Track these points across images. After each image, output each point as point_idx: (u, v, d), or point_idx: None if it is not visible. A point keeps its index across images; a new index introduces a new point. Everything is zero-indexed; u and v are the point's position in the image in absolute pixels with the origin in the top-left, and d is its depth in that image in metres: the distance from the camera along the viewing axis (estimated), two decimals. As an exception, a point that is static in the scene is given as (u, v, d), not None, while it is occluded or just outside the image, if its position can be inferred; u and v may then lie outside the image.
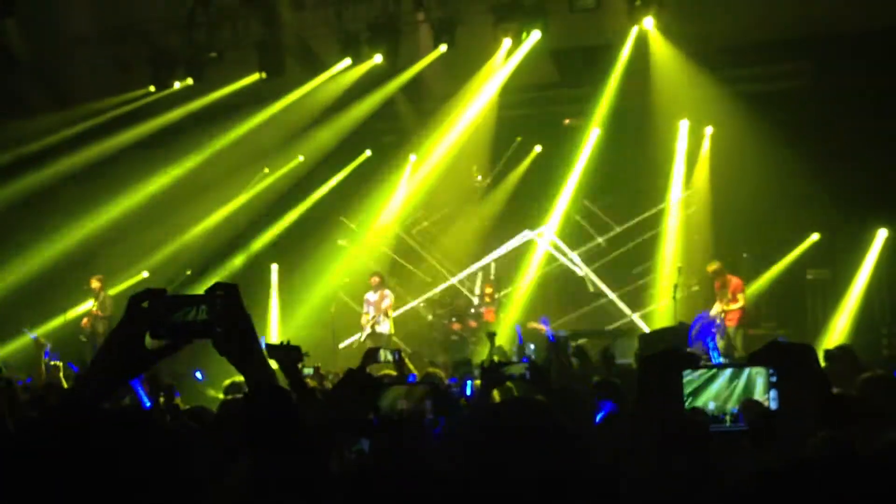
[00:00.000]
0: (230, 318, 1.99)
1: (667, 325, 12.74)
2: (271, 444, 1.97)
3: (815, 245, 14.55)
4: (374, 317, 14.96)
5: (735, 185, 14.29)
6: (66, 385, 8.36)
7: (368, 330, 14.93)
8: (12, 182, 14.13)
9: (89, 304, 14.88)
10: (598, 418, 5.36)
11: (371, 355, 5.95)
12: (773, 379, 3.19)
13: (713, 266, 13.33)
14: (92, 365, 1.96)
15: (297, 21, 14.27)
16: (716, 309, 13.06)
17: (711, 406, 3.20)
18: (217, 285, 2.01)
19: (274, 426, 1.98)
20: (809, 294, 14.85)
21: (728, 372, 3.29)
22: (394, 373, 6.60)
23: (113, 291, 14.88)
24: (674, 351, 3.91)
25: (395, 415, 4.64)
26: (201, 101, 15.29)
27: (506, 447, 2.24)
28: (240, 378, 6.46)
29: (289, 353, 4.21)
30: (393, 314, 15.27)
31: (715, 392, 3.22)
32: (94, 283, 14.58)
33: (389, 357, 6.35)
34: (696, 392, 3.19)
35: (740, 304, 13.06)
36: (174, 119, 15.33)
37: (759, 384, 3.21)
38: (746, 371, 3.26)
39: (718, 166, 15.17)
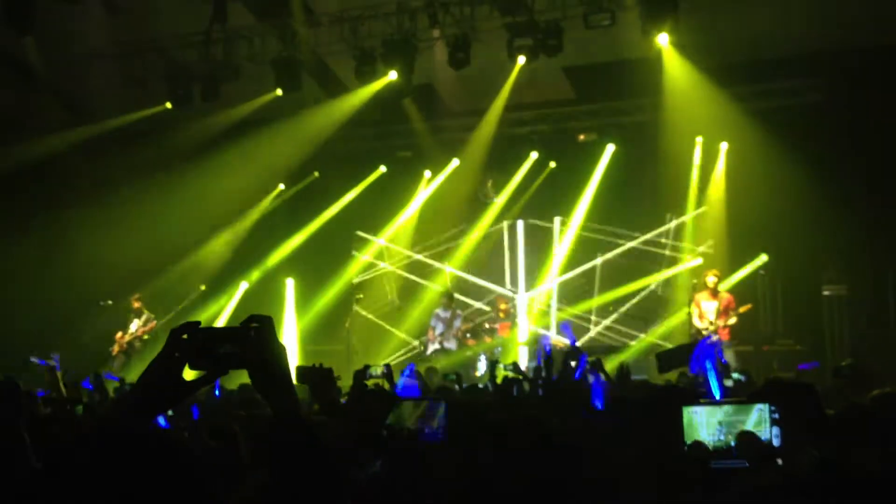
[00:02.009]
0: (263, 350, 2.05)
1: (683, 343, 12.69)
2: (292, 472, 2.01)
3: (832, 261, 14.47)
4: (443, 333, 15.24)
5: (750, 200, 14.27)
6: (85, 399, 8.41)
7: (437, 345, 15.18)
8: (29, 197, 14.23)
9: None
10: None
11: (362, 373, 6.15)
12: (775, 416, 3.17)
13: (712, 277, 13.25)
14: (131, 393, 2.04)
15: (312, 38, 14.35)
16: (703, 323, 12.97)
17: (712, 438, 3.17)
18: (252, 318, 2.08)
19: (296, 457, 2.02)
20: (826, 310, 14.78)
21: (730, 408, 3.25)
22: (386, 385, 6.76)
23: (129, 307, 14.99)
24: (674, 387, 3.91)
25: (407, 430, 4.66)
26: (217, 118, 15.37)
27: (505, 464, 2.25)
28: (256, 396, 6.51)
29: (321, 375, 4.28)
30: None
31: (716, 427, 3.19)
32: (136, 304, 14.89)
33: (379, 371, 6.55)
34: (699, 427, 3.17)
35: (734, 320, 13.00)
36: (190, 135, 15.41)
37: (762, 421, 3.18)
38: (749, 407, 3.22)
39: (734, 182, 15.17)
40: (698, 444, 3.05)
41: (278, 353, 2.07)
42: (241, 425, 4.48)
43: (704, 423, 3.17)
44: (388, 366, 6.85)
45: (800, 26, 12.86)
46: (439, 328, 15.33)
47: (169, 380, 2.00)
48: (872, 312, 14.21)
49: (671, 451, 3.02)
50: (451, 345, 15.15)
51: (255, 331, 2.05)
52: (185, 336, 2.03)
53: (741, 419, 3.22)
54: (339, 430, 3.84)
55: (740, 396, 4.24)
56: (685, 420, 3.18)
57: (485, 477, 2.27)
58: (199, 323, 2.05)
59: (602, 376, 7.20)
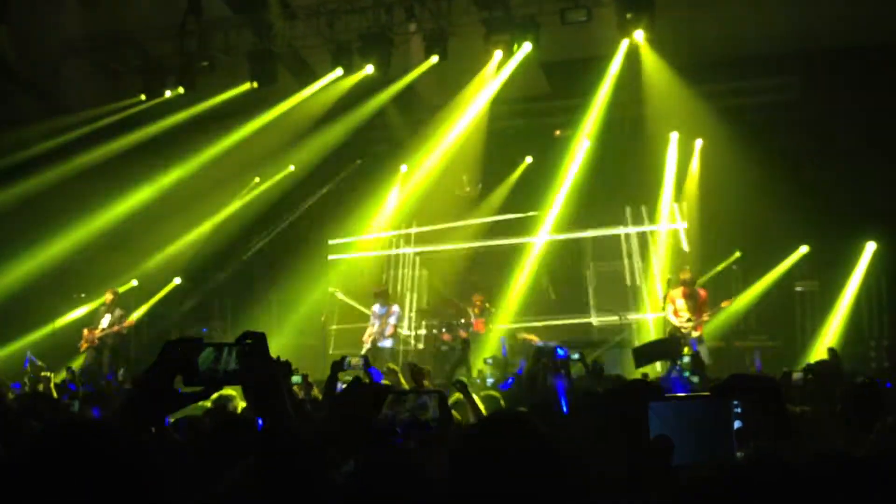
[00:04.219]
0: (258, 366, 2.09)
1: (658, 337, 12.75)
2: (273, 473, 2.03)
3: (804, 257, 14.59)
4: (377, 331, 14.36)
5: (724, 197, 14.37)
6: (55, 395, 8.35)
7: (368, 345, 14.22)
8: (2, 190, 14.08)
9: (81, 313, 14.94)
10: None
11: (339, 364, 6.07)
12: (738, 411, 3.19)
13: (686, 274, 13.30)
14: (127, 403, 2.08)
15: (288, 30, 14.28)
16: (681, 320, 12.99)
17: (675, 433, 3.17)
18: (246, 334, 2.12)
19: (282, 465, 2.05)
20: (798, 306, 14.92)
21: (694, 404, 3.26)
22: (366, 379, 6.68)
23: (102, 300, 14.86)
24: (641, 382, 3.94)
25: (389, 425, 4.62)
26: (192, 110, 15.23)
27: (490, 462, 2.26)
28: (227, 391, 6.47)
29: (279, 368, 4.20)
30: (399, 329, 14.97)
31: (679, 422, 3.20)
32: (110, 298, 14.61)
33: (358, 362, 6.46)
34: (661, 421, 3.17)
35: (707, 317, 13.08)
36: (165, 128, 15.26)
37: (728, 416, 3.20)
38: (715, 402, 3.24)
39: (708, 178, 15.25)
40: (663, 438, 3.07)
41: (272, 368, 2.10)
42: (212, 420, 4.45)
43: (668, 418, 3.19)
44: (365, 357, 6.78)
45: (775, 25, 12.94)
46: (376, 326, 14.46)
47: (162, 391, 2.03)
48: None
49: (637, 445, 3.04)
50: (385, 343, 14.34)
51: (250, 347, 2.07)
52: (180, 350, 2.05)
53: (706, 414, 3.24)
54: (319, 427, 3.81)
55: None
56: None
57: (473, 475, 2.28)
58: (200, 339, 2.08)
59: (566, 375, 7.19)
